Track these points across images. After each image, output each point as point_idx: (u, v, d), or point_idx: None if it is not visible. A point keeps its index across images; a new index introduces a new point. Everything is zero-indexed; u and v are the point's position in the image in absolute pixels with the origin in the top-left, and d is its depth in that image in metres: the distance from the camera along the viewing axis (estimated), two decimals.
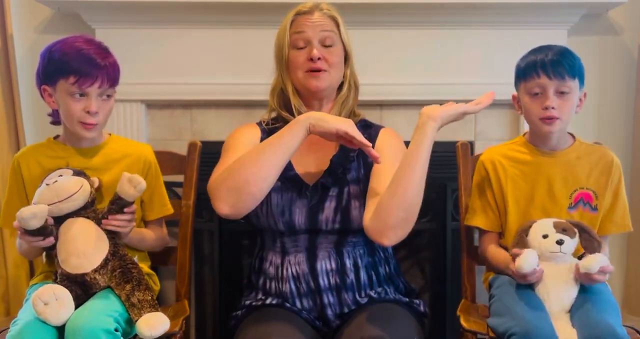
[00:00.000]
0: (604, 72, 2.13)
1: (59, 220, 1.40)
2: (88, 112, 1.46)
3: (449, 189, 2.05)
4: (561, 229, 1.40)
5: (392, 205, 1.33)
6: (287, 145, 1.35)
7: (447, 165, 1.93)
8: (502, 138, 2.07)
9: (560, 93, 1.48)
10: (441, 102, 2.04)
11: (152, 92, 2.03)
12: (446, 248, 2.07)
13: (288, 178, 1.46)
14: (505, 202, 1.58)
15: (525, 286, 1.46)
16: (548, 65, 1.46)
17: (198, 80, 2.02)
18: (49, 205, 1.37)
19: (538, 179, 1.56)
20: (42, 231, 1.35)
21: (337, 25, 1.52)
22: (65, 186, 1.40)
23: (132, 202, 1.43)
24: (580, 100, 1.54)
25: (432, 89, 2.04)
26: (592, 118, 2.13)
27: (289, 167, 1.46)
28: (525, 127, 2.03)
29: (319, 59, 1.46)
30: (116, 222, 1.41)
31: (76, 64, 1.43)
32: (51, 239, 1.38)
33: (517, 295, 1.42)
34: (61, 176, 1.44)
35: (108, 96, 1.49)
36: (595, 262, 1.35)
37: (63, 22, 2.06)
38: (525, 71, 1.50)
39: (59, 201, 1.38)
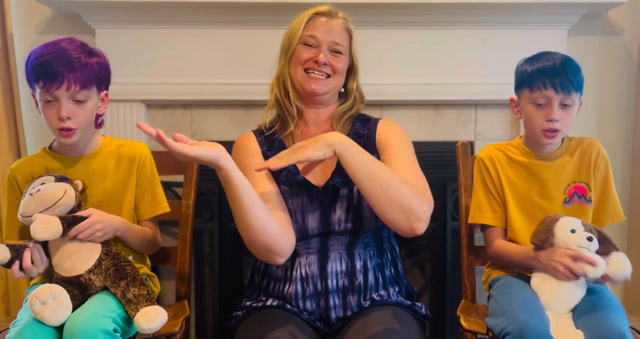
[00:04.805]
0: (604, 72, 2.13)
1: None
2: (60, 118, 1.39)
3: (449, 189, 2.05)
4: (588, 229, 1.43)
5: (379, 212, 1.33)
6: (235, 194, 1.28)
7: (447, 165, 1.92)
8: (502, 138, 2.07)
9: (564, 105, 1.50)
10: (441, 102, 2.07)
11: (152, 92, 2.03)
12: (446, 248, 2.07)
13: (296, 183, 1.45)
14: (505, 198, 1.60)
15: (524, 286, 1.46)
16: (556, 79, 1.48)
17: (198, 80, 2.02)
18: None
19: (531, 178, 1.59)
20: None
21: (350, 39, 1.53)
22: (49, 193, 1.37)
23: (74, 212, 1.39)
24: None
25: (432, 89, 2.05)
26: (593, 118, 2.13)
27: (294, 171, 1.45)
28: None
29: (324, 64, 1.47)
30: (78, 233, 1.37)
31: (44, 67, 1.36)
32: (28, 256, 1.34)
33: (515, 295, 1.42)
34: (43, 183, 1.41)
35: (79, 101, 1.40)
36: (624, 269, 1.38)
37: (63, 22, 2.06)
38: (532, 81, 1.51)
39: (46, 209, 1.36)
